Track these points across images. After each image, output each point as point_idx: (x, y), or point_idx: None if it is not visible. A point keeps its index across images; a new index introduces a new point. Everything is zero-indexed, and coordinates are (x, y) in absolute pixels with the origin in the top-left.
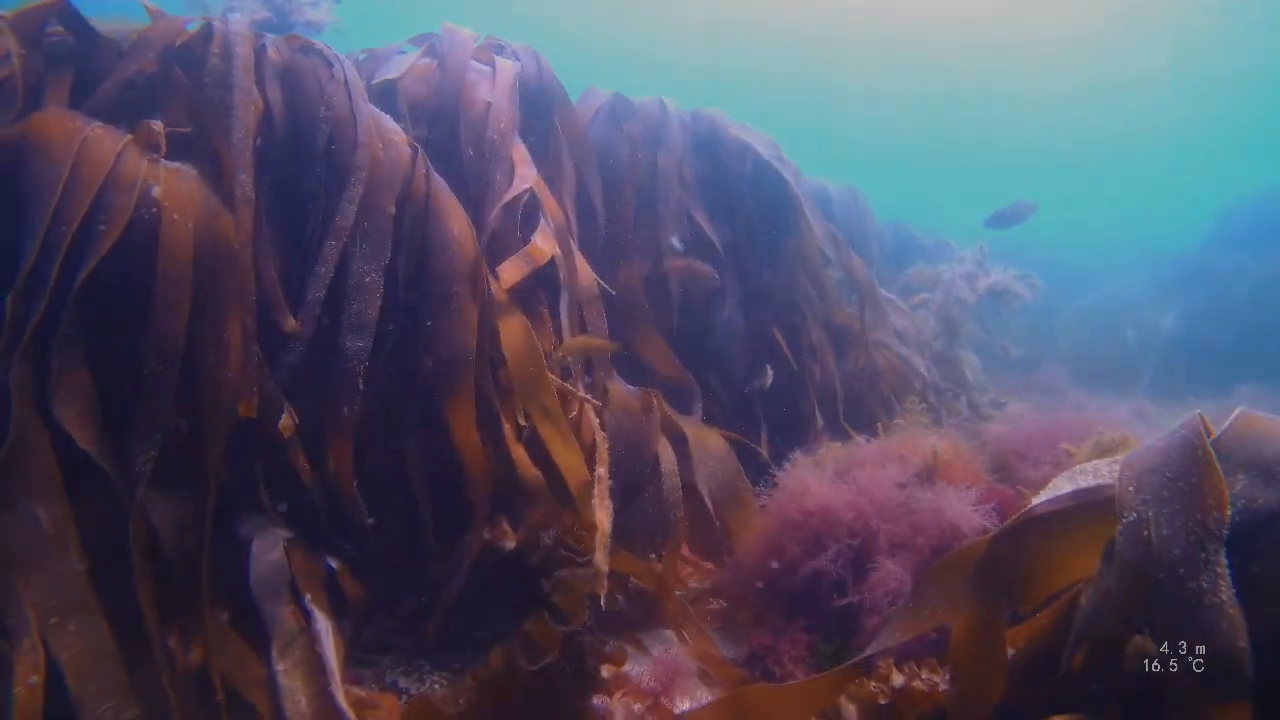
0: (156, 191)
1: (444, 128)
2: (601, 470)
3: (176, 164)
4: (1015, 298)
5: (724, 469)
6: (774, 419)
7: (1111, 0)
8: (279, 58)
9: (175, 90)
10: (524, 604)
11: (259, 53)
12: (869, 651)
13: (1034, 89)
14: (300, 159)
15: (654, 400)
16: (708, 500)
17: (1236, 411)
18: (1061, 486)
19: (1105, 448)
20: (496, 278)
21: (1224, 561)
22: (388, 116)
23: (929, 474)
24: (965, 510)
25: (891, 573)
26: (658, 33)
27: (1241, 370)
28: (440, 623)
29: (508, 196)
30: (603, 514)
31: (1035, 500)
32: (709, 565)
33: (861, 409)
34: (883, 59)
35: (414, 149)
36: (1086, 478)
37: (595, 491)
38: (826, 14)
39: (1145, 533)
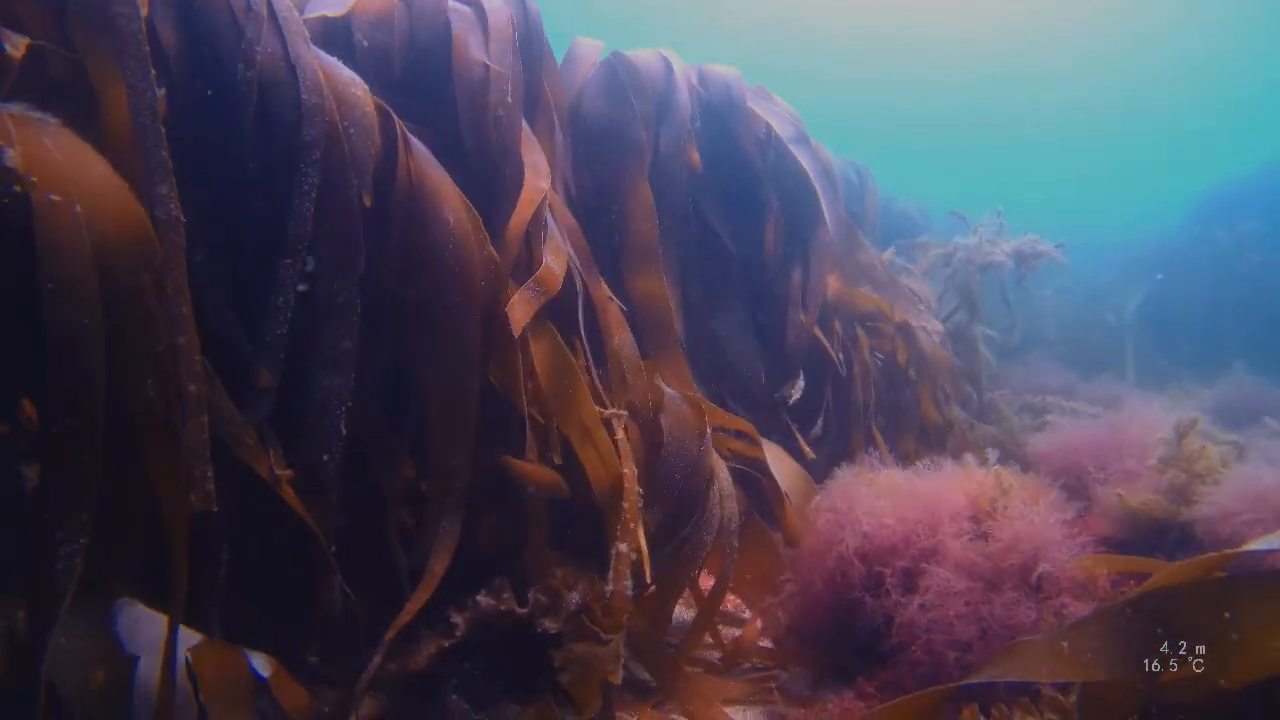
0: (13, 157)
1: (422, 93)
2: (622, 546)
3: (35, 112)
4: (1043, 262)
5: (797, 479)
6: (806, 428)
7: None
8: None
9: None
10: (527, 687)
11: None
12: (973, 679)
13: (1004, 71)
14: (213, 131)
15: (704, 409)
16: (787, 506)
17: None
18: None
19: (1184, 457)
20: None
21: None
22: (340, 63)
23: (994, 506)
24: (1054, 536)
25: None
26: None
27: (1219, 342)
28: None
29: (530, 208)
30: (622, 599)
31: (1251, 546)
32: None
33: (911, 408)
34: (854, 44)
35: (384, 112)
36: None
37: (613, 567)
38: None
39: None
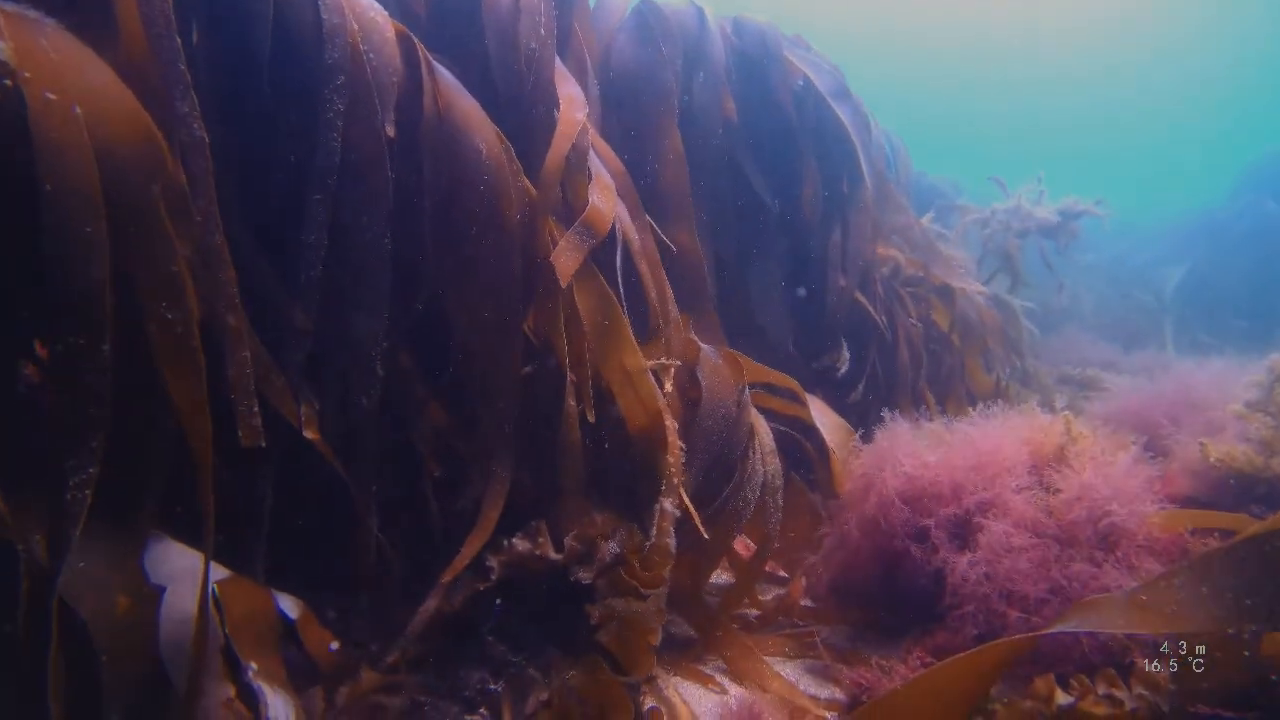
0: (4, 50)
1: (449, 26)
2: (667, 503)
3: (33, 12)
4: (1084, 223)
5: (840, 431)
6: (844, 396)
7: None
8: None
9: None
10: (567, 639)
11: None
12: (1045, 631)
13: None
14: (227, 53)
15: (740, 364)
16: (833, 457)
17: None
18: None
19: (1276, 402)
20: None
21: None
22: None
23: (1061, 455)
24: (1132, 489)
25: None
26: None
27: (1265, 316)
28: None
29: (567, 142)
30: (665, 542)
31: None
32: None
33: (955, 373)
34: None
35: (406, 39)
36: None
37: (657, 524)
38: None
39: None
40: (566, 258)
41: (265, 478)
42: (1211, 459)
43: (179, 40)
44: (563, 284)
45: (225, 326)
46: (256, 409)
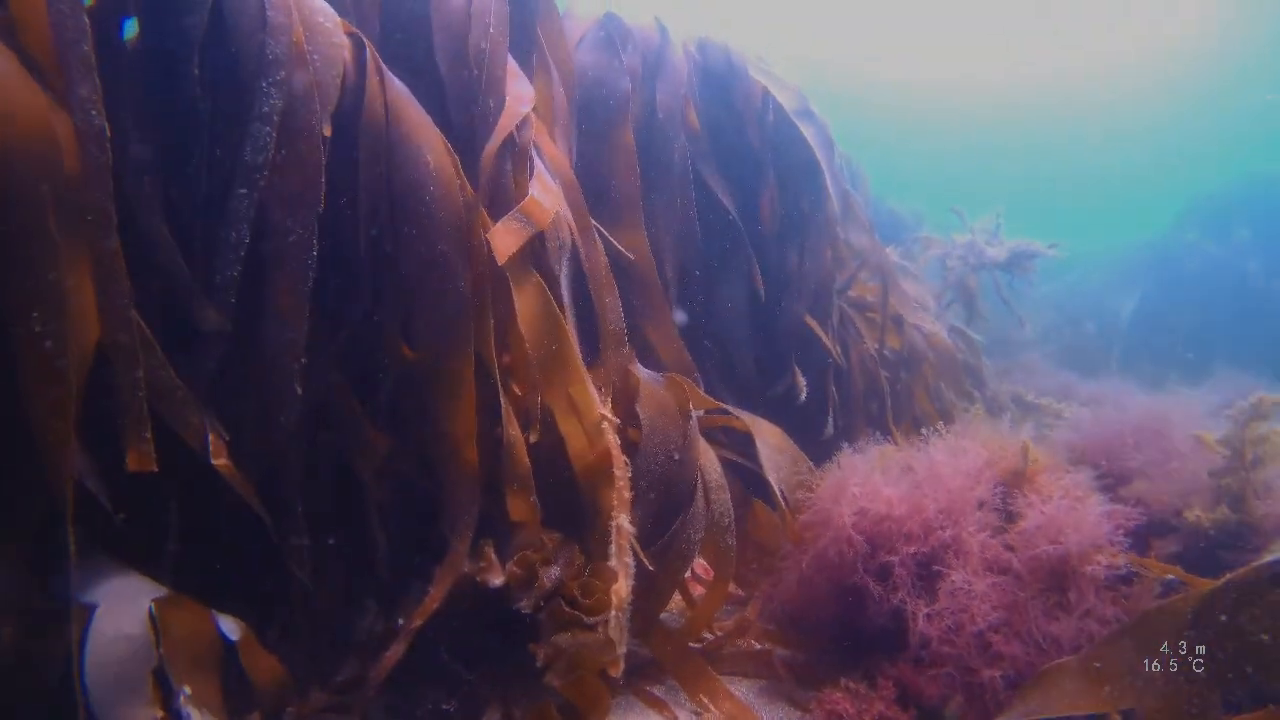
0: None
1: (402, 28)
2: (623, 519)
3: None
4: (1038, 262)
5: (790, 464)
6: (794, 422)
7: None
8: None
9: None
10: (506, 663)
11: None
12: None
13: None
14: (156, 38)
15: (686, 393)
16: (781, 499)
17: None
18: None
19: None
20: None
21: None
22: None
23: (1019, 480)
24: (1089, 526)
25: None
26: None
27: (1205, 348)
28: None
29: (505, 132)
30: (623, 575)
31: None
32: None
33: (902, 403)
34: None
35: (358, 41)
36: None
37: (614, 543)
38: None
39: None
40: (503, 238)
41: (169, 497)
42: (1205, 524)
43: (87, 20)
44: (500, 261)
45: (117, 344)
46: (148, 434)
